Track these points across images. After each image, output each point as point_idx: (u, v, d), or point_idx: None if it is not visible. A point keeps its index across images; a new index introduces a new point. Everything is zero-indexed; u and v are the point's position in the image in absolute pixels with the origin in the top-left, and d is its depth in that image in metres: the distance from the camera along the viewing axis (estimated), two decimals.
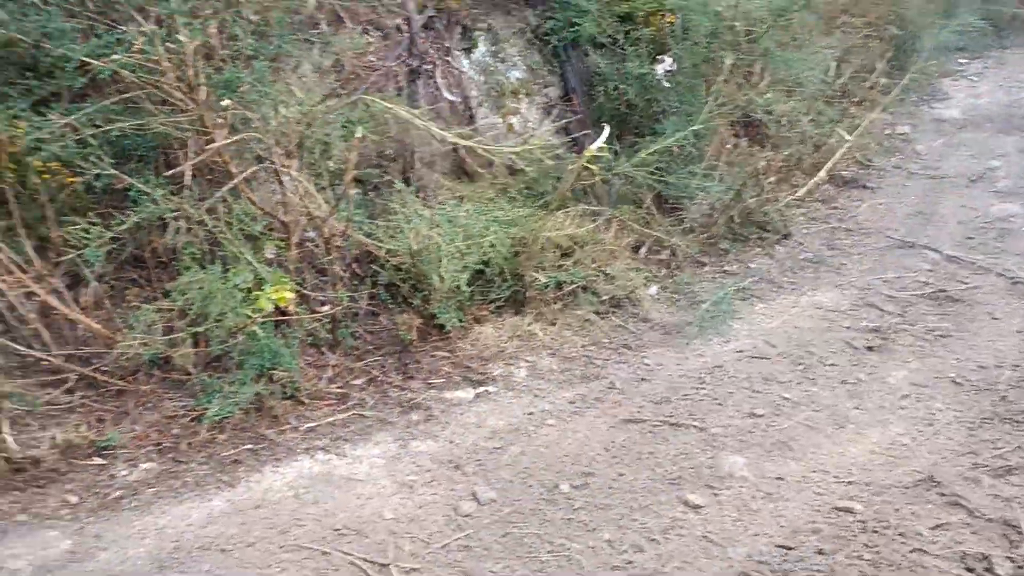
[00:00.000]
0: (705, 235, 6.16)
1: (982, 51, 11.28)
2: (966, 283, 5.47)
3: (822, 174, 7.11)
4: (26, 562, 3.16)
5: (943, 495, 3.27)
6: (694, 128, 6.02)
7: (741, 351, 4.80)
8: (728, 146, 6.72)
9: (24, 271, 3.51)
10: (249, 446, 3.81)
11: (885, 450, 3.69)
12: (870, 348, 4.70)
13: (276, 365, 3.94)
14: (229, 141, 3.72)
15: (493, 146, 5.31)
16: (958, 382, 4.24)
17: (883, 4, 9.61)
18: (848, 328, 4.98)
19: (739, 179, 6.34)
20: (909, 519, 3.15)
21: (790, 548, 3.09)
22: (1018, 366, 4.34)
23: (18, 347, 3.59)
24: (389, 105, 4.41)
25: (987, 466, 3.45)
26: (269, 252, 4.07)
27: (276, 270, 3.99)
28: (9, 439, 3.52)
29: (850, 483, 3.45)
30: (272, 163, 4.02)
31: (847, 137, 7.46)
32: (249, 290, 3.76)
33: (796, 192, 6.90)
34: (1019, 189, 7.11)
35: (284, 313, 4.00)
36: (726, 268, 5.96)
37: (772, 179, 6.85)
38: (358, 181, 4.91)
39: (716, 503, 3.41)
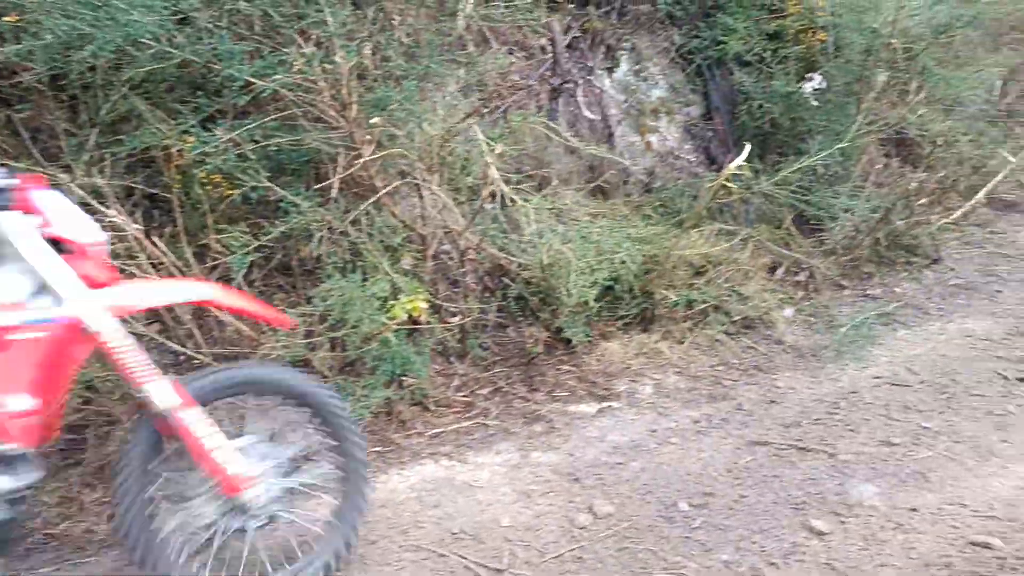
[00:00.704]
0: (848, 257, 5.96)
1: None
2: None
3: (980, 196, 6.70)
4: None
5: None
6: (841, 146, 5.86)
7: (879, 377, 4.61)
8: (878, 166, 6.50)
9: (184, 274, 3.83)
10: (377, 448, 4.00)
11: None
12: (1022, 379, 4.41)
13: (407, 372, 4.13)
14: (375, 156, 3.97)
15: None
16: None
17: None
18: (1000, 358, 4.68)
19: (888, 200, 6.10)
20: None
21: None
22: None
23: (173, 345, 3.86)
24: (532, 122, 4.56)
25: None
26: (406, 263, 4.30)
27: (411, 280, 4.20)
28: None
29: (990, 518, 3.25)
30: (414, 178, 4.27)
31: (1011, 159, 6.99)
32: (385, 298, 3.99)
33: (951, 215, 6.55)
34: None
35: (416, 322, 4.21)
36: (868, 292, 5.75)
37: (924, 201, 6.53)
38: (494, 196, 5.12)
39: (842, 531, 3.30)
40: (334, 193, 4.07)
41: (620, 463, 3.95)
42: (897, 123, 6.78)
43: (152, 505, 2.69)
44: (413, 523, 3.51)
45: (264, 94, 3.84)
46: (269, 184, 3.97)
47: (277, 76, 3.75)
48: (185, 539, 2.75)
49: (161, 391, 2.57)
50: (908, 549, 3.15)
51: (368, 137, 3.96)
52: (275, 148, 4.02)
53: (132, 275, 3.58)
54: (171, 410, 2.58)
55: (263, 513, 2.83)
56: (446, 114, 4.28)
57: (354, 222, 4.14)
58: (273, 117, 3.97)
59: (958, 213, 6.53)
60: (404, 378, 4.19)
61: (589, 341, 4.87)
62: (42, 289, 2.43)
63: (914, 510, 3.38)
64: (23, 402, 2.39)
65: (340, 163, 4.02)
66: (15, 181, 2.39)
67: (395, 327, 3.99)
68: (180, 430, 2.60)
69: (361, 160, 3.90)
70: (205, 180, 3.85)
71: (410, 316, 4.14)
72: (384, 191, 4.07)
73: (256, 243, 3.88)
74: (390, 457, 3.99)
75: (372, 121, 3.81)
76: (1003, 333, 5.00)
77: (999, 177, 6.91)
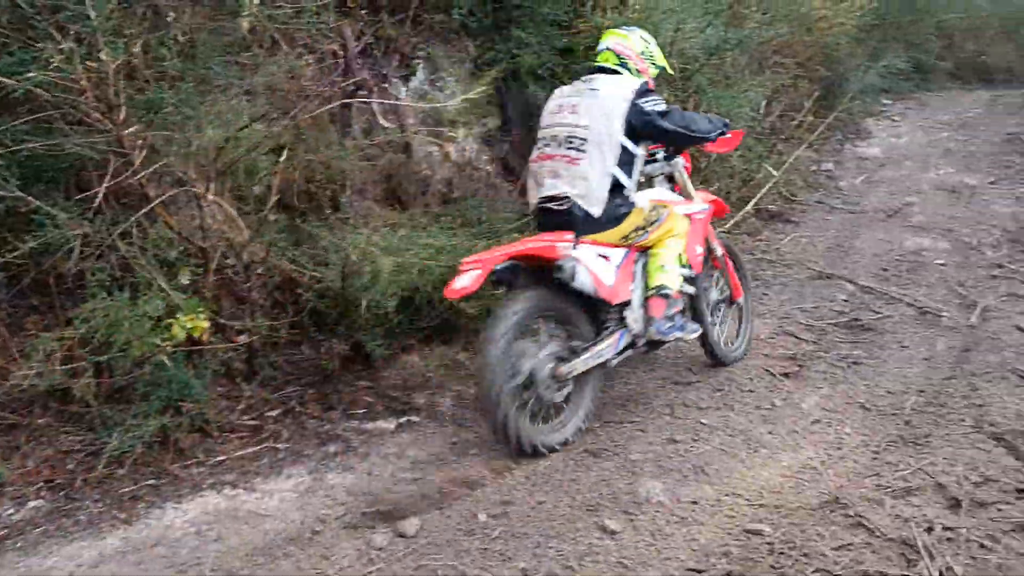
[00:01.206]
0: None
1: (905, 93, 11.81)
2: (879, 313, 5.65)
3: (749, 208, 7.31)
4: None
5: (847, 516, 3.33)
6: None
7: (665, 378, 4.87)
8: None
9: None
10: (151, 481, 3.68)
11: (795, 473, 3.75)
12: (786, 374, 4.82)
13: (185, 397, 3.83)
14: (146, 164, 3.64)
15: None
16: (867, 407, 4.35)
17: (813, 46, 9.99)
18: (766, 355, 5.09)
19: None
20: (814, 540, 3.20)
21: (700, 571, 3.11)
22: (923, 391, 4.48)
23: None
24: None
25: (889, 488, 3.53)
26: (184, 279, 3.98)
27: (191, 297, 3.90)
28: None
29: (761, 506, 3.50)
30: (193, 187, 3.97)
31: (774, 173, 7.70)
32: (160, 318, 3.67)
33: (724, 225, 7.06)
34: (932, 224, 7.42)
35: (197, 342, 3.91)
36: None
37: None
38: (285, 207, 4.88)
39: (632, 528, 3.42)
40: (101, 203, 3.68)
41: (419, 478, 3.88)
42: None
43: None
44: (192, 560, 3.24)
45: (15, 94, 3.42)
46: (20, 194, 3.53)
47: (31, 74, 3.34)
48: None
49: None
50: (691, 541, 3.31)
51: (139, 142, 3.62)
52: (27, 153, 3.58)
53: None
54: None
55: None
56: (229, 119, 4.01)
57: (124, 235, 3.77)
58: (25, 119, 3.54)
59: (730, 223, 7.07)
60: (182, 403, 3.88)
61: (389, 354, 4.77)
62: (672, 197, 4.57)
63: (695, 503, 3.56)
64: (699, 249, 4.49)
65: (107, 171, 3.63)
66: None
67: (172, 349, 3.67)
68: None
69: (131, 167, 3.56)
70: None
71: (190, 336, 3.84)
72: (157, 201, 3.75)
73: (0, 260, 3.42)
74: (166, 490, 3.68)
75: (134, 128, 3.48)
76: (769, 332, 5.45)
77: (764, 189, 7.59)
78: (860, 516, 3.31)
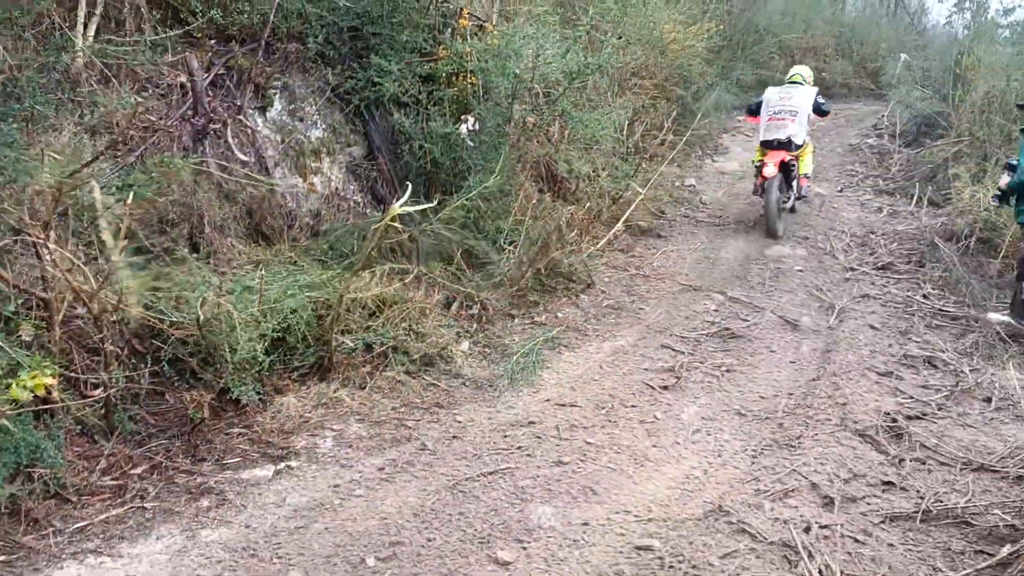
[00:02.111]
0: (514, 288, 6.25)
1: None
2: (747, 320, 5.89)
3: (619, 225, 7.49)
4: None
5: (731, 523, 3.40)
6: (497, 184, 6.16)
7: (549, 399, 4.86)
8: (533, 202, 6.94)
9: None
10: (2, 557, 3.31)
11: (680, 484, 3.81)
12: (665, 387, 4.91)
13: (36, 461, 3.49)
14: None
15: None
16: (742, 413, 4.50)
17: (668, 67, 10.41)
18: (646, 370, 5.19)
19: (544, 233, 6.53)
20: (702, 550, 3.24)
21: None
22: (792, 394, 4.67)
23: None
24: (178, 163, 4.15)
25: (768, 491, 3.64)
26: (26, 334, 3.64)
27: (35, 354, 3.57)
28: None
29: (650, 520, 3.52)
30: (28, 235, 3.65)
31: (640, 190, 7.93)
32: (0, 378, 3.33)
33: (597, 243, 7.20)
34: (790, 233, 7.84)
35: (46, 400, 3.58)
36: (536, 319, 6.07)
37: (575, 232, 7.11)
38: (138, 250, 4.58)
39: (526, 556, 3.36)
40: None
41: (302, 527, 3.68)
42: (547, 162, 7.37)
43: None
44: None
45: None
46: None
47: None
48: None
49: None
50: (584, 563, 3.29)
51: None
52: None
53: None
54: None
55: None
56: (65, 161, 3.72)
57: None
58: None
59: (603, 241, 7.22)
60: (33, 468, 3.53)
61: (261, 398, 4.53)
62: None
63: (586, 524, 3.55)
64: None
65: None
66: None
67: (15, 411, 3.34)
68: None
69: None
70: None
71: (36, 396, 3.50)
72: None
73: None
74: (19, 565, 3.32)
75: None
76: (646, 347, 5.56)
77: (633, 207, 7.79)
78: (743, 522, 3.38)
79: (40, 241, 3.57)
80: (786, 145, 7.81)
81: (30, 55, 3.88)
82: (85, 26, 4.48)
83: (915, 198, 8.92)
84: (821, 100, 8.16)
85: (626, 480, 3.90)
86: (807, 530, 3.31)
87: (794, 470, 3.81)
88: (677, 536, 3.36)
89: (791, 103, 7.96)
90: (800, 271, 6.90)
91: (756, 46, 13.93)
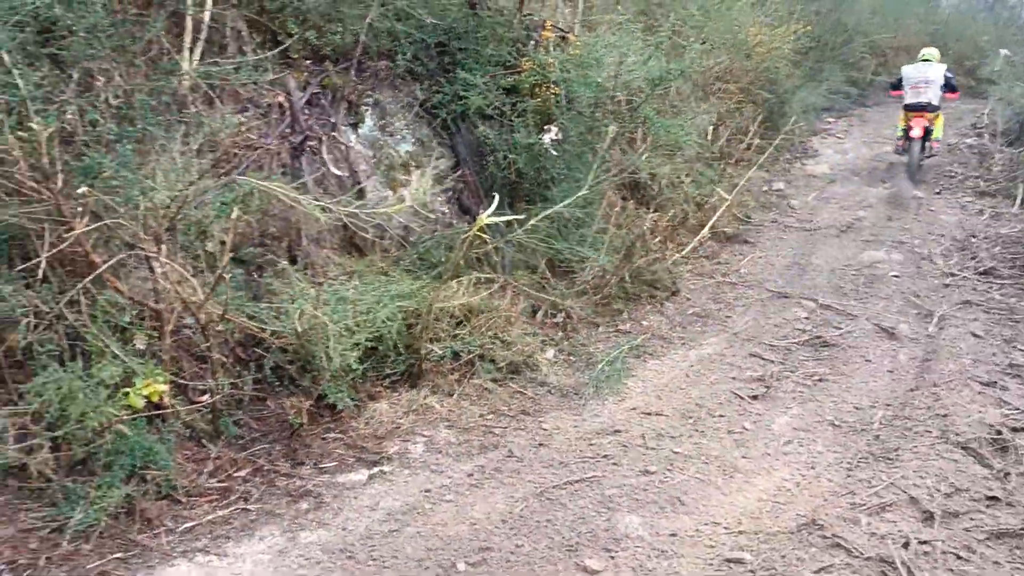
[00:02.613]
0: (599, 296, 6.27)
1: (846, 111, 12.15)
2: (840, 328, 5.74)
3: (705, 232, 7.41)
4: None
5: (825, 537, 3.34)
6: (582, 194, 6.19)
7: (635, 408, 4.86)
8: (616, 209, 6.94)
9: None
10: (118, 555, 3.52)
11: (771, 496, 3.76)
12: (754, 397, 4.84)
13: (149, 463, 3.70)
14: (88, 229, 3.56)
15: (372, 210, 5.29)
16: (836, 424, 4.39)
17: (753, 71, 10.25)
18: (734, 379, 5.12)
19: (628, 240, 6.53)
20: (795, 564, 3.19)
21: None
22: (890, 405, 4.53)
23: None
24: (264, 184, 4.35)
25: (864, 505, 3.55)
26: (140, 343, 3.88)
27: (148, 362, 3.80)
28: None
29: (740, 533, 3.49)
30: (141, 249, 3.89)
31: (725, 196, 7.82)
32: (117, 385, 3.55)
33: (682, 250, 7.15)
34: (883, 237, 7.58)
35: (159, 406, 3.80)
36: (620, 327, 6.07)
37: (659, 239, 7.08)
38: (240, 262, 4.81)
39: (613, 566, 3.38)
40: (46, 273, 3.58)
41: (395, 530, 3.79)
42: (630, 169, 7.36)
43: None
44: None
45: None
46: None
47: None
48: None
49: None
50: (672, 574, 3.28)
51: (79, 208, 3.54)
52: None
53: None
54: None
55: None
56: (173, 179, 3.95)
57: (71, 303, 3.67)
58: None
59: (688, 248, 7.16)
60: (147, 470, 3.75)
61: (356, 404, 4.68)
62: None
63: (674, 535, 3.54)
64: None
65: (47, 239, 3.53)
66: None
67: (130, 416, 3.56)
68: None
69: (72, 234, 3.47)
70: None
71: (150, 401, 3.73)
72: (104, 266, 3.65)
73: None
74: (134, 562, 3.52)
75: (81, 190, 3.40)
76: (734, 355, 5.49)
77: (719, 213, 7.70)
78: (837, 536, 3.32)
79: (153, 255, 3.80)
80: (926, 107, 9.55)
81: (142, 80, 4.13)
82: (191, 51, 4.74)
83: (1019, 200, 8.50)
84: (950, 74, 9.79)
85: (715, 491, 3.87)
86: (906, 546, 3.22)
87: (892, 483, 3.70)
88: (769, 549, 3.32)
89: (927, 75, 9.68)
90: (896, 277, 6.67)
91: (845, 47, 13.54)
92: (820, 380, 4.97)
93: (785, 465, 4.03)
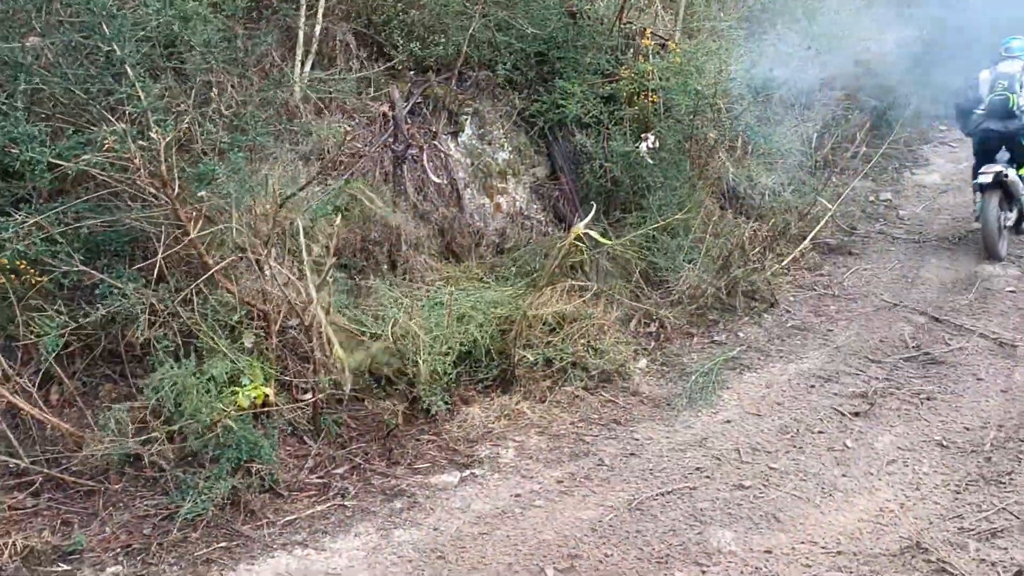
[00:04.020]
0: (693, 306, 6.18)
1: None
2: (950, 345, 5.47)
3: (806, 242, 7.19)
4: None
5: (930, 562, 3.20)
6: (679, 203, 6.14)
7: (729, 421, 4.76)
8: (714, 218, 6.83)
9: None
10: (223, 544, 3.71)
11: (873, 517, 3.62)
12: (856, 414, 4.67)
13: (254, 457, 3.88)
14: (202, 233, 3.77)
15: None
16: (944, 445, 4.19)
17: (861, 76, 9.90)
18: (835, 394, 4.95)
19: (725, 250, 6.42)
20: None
21: None
22: (1002, 426, 4.29)
23: None
24: (367, 193, 4.51)
25: (973, 530, 3.38)
26: (248, 342, 4.08)
27: (255, 360, 3.99)
28: None
29: (839, 553, 3.38)
30: (252, 252, 4.09)
31: (829, 205, 7.58)
32: (226, 381, 3.75)
33: (782, 261, 6.96)
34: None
35: (264, 403, 3.99)
36: (715, 338, 5.96)
37: (758, 249, 6.91)
38: (343, 266, 4.99)
39: None
40: (163, 273, 3.82)
41: (485, 533, 3.85)
42: (729, 178, 7.24)
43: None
44: None
45: (72, 175, 3.59)
46: (83, 268, 3.68)
47: (85, 156, 3.51)
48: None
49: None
50: None
51: (195, 213, 3.76)
52: (88, 230, 3.75)
53: None
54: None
55: None
56: (282, 185, 4.14)
57: (185, 302, 3.89)
58: (85, 198, 3.71)
59: (788, 258, 6.96)
60: (252, 464, 3.93)
61: (449, 408, 4.78)
62: None
63: (769, 552, 3.46)
64: None
65: (163, 241, 3.77)
66: None
67: (236, 413, 3.74)
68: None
69: (188, 237, 3.68)
70: (8, 267, 3.50)
71: (254, 400, 3.91)
72: (216, 268, 3.86)
73: (73, 324, 3.54)
74: (238, 552, 3.70)
75: (200, 194, 3.61)
76: (836, 370, 5.30)
77: (822, 223, 7.46)
78: (943, 562, 3.17)
79: (262, 258, 3.99)
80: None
81: (253, 92, 4.35)
82: (302, 63, 4.97)
83: None
84: None
85: (813, 509, 3.76)
86: (1018, 574, 3.05)
87: (1003, 508, 3.51)
88: (869, 571, 3.21)
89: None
90: (1012, 292, 6.32)
91: (960, 50, 12.89)
92: (928, 398, 4.75)
93: (888, 485, 3.88)
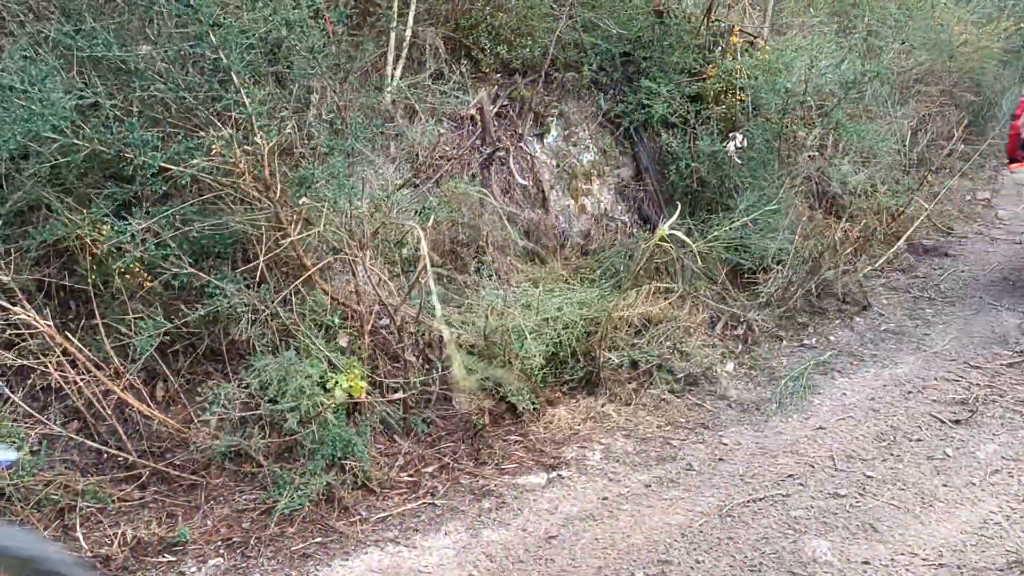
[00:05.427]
0: (782, 309, 6.06)
1: None
2: None
3: (901, 243, 6.97)
4: None
5: None
6: (767, 204, 6.03)
7: (822, 427, 4.65)
8: (804, 219, 6.67)
9: (101, 369, 3.65)
10: (318, 539, 3.82)
11: (976, 530, 3.48)
12: (957, 421, 4.50)
13: (347, 454, 3.98)
14: (301, 236, 3.89)
15: None
16: None
17: (957, 72, 9.53)
18: (934, 401, 4.78)
19: (815, 251, 6.27)
20: None
21: None
22: None
23: (93, 444, 3.67)
24: (476, 190, 4.57)
25: None
26: (343, 341, 4.19)
27: (349, 358, 4.10)
28: (80, 538, 3.59)
29: (941, 566, 3.26)
30: (346, 254, 4.20)
31: (924, 205, 7.32)
32: (322, 379, 3.86)
33: (875, 263, 6.76)
34: None
35: (357, 401, 4.09)
36: (805, 342, 5.83)
37: (849, 250, 6.72)
38: (432, 267, 5.08)
39: None
40: (264, 274, 3.96)
41: (573, 535, 3.85)
42: (820, 178, 7.06)
43: None
44: None
45: (182, 179, 3.75)
46: (192, 270, 3.85)
47: (194, 161, 3.67)
48: None
49: None
50: None
51: (295, 216, 3.88)
52: (196, 233, 3.92)
53: (45, 373, 3.39)
54: None
55: None
56: (376, 188, 4.25)
57: (284, 302, 4.03)
58: (192, 202, 3.87)
59: (882, 260, 6.76)
60: (345, 461, 4.04)
61: (535, 408, 4.81)
62: None
63: (867, 563, 3.37)
64: None
65: (265, 243, 3.91)
66: None
67: (333, 408, 3.85)
68: None
69: (288, 239, 3.81)
70: (123, 271, 3.69)
71: (349, 395, 4.02)
72: (313, 269, 3.99)
73: (167, 325, 3.71)
74: (332, 547, 3.80)
75: (302, 201, 3.74)
76: (934, 376, 5.12)
77: (916, 223, 7.21)
78: None
79: (357, 259, 4.10)
80: None
81: (352, 96, 4.47)
82: (394, 67, 5.08)
83: None
84: None
85: (912, 520, 3.64)
86: None
87: None
88: None
89: None
90: None
91: None
92: None
93: (992, 496, 3.73)
